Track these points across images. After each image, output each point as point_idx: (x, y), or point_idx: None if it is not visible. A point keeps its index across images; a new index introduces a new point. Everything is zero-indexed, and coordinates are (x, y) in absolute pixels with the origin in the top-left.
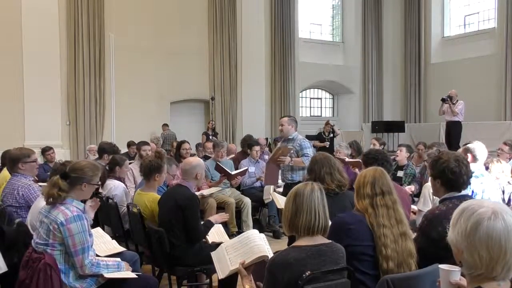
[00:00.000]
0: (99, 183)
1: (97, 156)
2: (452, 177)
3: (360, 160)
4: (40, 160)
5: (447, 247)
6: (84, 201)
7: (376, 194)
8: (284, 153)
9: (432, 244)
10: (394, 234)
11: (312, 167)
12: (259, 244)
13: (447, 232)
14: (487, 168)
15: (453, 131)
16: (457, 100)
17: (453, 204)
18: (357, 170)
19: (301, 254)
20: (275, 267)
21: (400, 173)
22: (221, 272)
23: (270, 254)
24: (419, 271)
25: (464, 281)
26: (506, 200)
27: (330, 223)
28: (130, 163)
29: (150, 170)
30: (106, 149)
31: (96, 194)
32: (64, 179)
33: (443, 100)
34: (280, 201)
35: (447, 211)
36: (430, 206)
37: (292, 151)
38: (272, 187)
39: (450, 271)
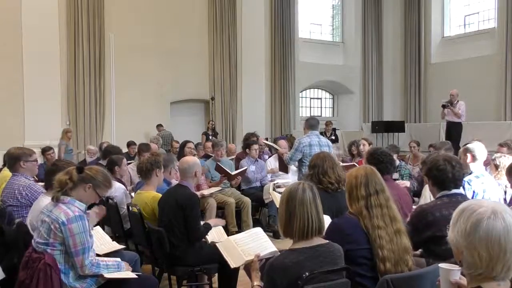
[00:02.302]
0: (103, 197)
1: (94, 158)
2: (437, 174)
3: (357, 163)
4: (40, 160)
5: (431, 239)
6: (89, 207)
7: (371, 194)
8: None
9: (417, 233)
10: (389, 233)
11: (315, 162)
12: (268, 240)
13: (431, 225)
14: (494, 165)
15: (454, 132)
16: (457, 101)
17: (442, 201)
18: None
19: (299, 256)
20: (274, 271)
21: (395, 175)
22: (233, 262)
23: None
24: (419, 271)
25: (464, 280)
26: (508, 201)
27: (324, 222)
28: (129, 163)
29: (151, 165)
30: (111, 151)
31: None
32: (78, 172)
33: (444, 106)
34: (279, 199)
35: (433, 206)
36: None
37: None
38: (271, 186)
39: (450, 270)
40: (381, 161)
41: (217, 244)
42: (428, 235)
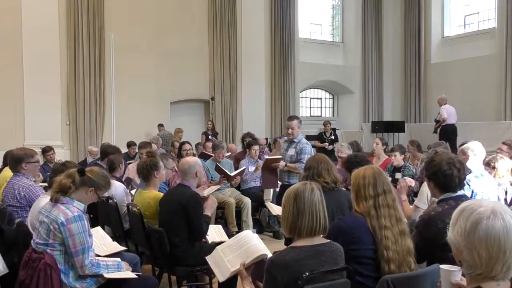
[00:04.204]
0: (103, 197)
1: (95, 158)
2: (443, 180)
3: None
4: (40, 160)
5: (441, 247)
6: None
7: (379, 194)
8: (276, 160)
9: (427, 244)
10: (394, 234)
11: (310, 164)
12: (255, 243)
13: (442, 233)
14: (490, 166)
15: (446, 133)
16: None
17: (449, 205)
18: None
19: (300, 254)
20: (274, 268)
21: (398, 175)
22: (221, 275)
23: (268, 252)
24: (419, 271)
25: (465, 281)
26: (509, 201)
27: (327, 222)
28: (129, 163)
29: (148, 169)
30: (109, 151)
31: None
32: (80, 174)
33: (436, 121)
34: (275, 209)
35: (442, 212)
36: (426, 202)
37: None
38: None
39: (451, 271)
40: (359, 162)
41: (207, 258)
42: (440, 243)
